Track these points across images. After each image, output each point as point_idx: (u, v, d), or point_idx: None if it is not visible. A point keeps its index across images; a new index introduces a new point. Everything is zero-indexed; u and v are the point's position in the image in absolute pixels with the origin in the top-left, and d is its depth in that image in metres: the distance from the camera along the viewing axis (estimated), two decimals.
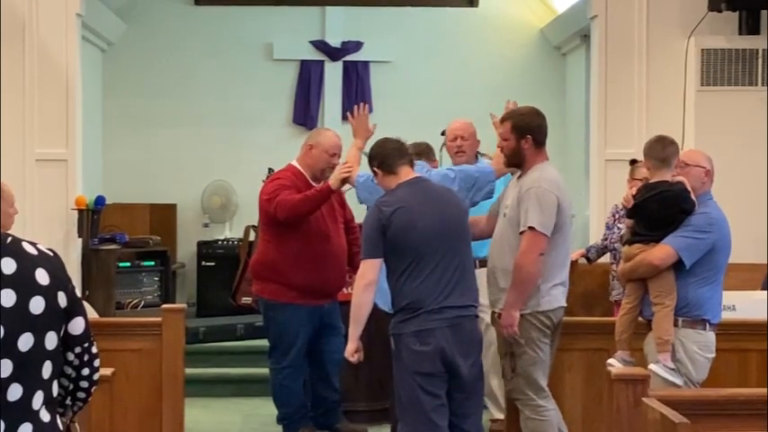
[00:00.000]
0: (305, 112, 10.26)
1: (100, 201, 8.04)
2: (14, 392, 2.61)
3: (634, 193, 4.98)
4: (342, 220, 6.14)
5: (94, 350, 2.86)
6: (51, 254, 2.76)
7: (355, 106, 5.96)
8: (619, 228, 6.44)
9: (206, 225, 10.10)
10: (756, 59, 7.62)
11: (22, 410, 2.63)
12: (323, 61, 10.30)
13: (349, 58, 10.31)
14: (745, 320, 5.42)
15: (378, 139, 4.96)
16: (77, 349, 2.80)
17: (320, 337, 6.02)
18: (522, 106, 5.16)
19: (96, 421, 4.57)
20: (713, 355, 4.75)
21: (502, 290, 4.85)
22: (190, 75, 10.18)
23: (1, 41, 7.50)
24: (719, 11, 7.50)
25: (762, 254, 7.06)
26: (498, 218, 5.03)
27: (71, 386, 2.85)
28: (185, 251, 9.96)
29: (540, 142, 4.92)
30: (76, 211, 7.76)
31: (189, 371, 5.88)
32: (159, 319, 5.46)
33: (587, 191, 8.25)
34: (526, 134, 4.88)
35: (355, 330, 4.65)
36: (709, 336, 4.74)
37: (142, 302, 8.52)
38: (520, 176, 4.95)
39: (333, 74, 10.31)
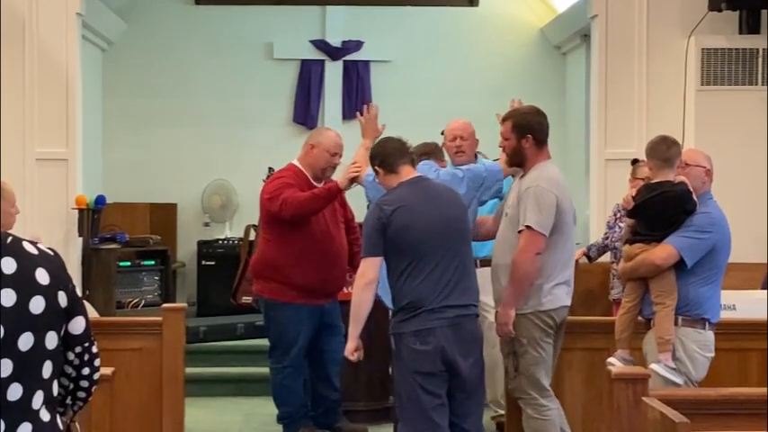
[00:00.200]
0: (305, 111, 10.25)
1: (100, 200, 8.05)
2: (14, 392, 2.61)
3: (634, 193, 4.99)
4: (342, 219, 6.14)
5: (95, 349, 2.86)
6: (51, 253, 2.76)
7: (364, 106, 5.96)
8: (620, 227, 6.44)
9: (206, 224, 10.10)
10: (756, 59, 7.62)
11: (23, 410, 2.63)
12: (323, 61, 10.30)
13: (349, 57, 10.30)
14: (745, 320, 5.42)
15: (379, 139, 4.97)
16: (78, 349, 2.80)
17: (320, 337, 6.02)
18: (524, 105, 5.17)
19: (96, 421, 4.57)
20: (712, 354, 4.76)
21: (505, 288, 4.87)
22: (190, 75, 10.18)
23: (1, 41, 7.50)
24: (719, 10, 7.50)
25: (762, 254, 7.06)
26: (501, 217, 5.04)
27: (71, 385, 2.85)
28: (185, 250, 9.96)
29: (540, 141, 4.92)
30: (77, 211, 7.77)
31: (189, 370, 5.88)
32: (159, 318, 5.46)
33: (587, 190, 8.25)
34: (527, 133, 4.89)
35: (355, 329, 4.65)
36: (709, 335, 4.74)
37: (142, 302, 8.52)
38: (522, 176, 4.95)
39: (333, 73, 10.31)
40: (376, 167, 4.83)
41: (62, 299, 2.71)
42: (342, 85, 10.32)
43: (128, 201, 9.58)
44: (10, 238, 2.69)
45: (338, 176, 5.91)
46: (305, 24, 10.27)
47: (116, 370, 4.61)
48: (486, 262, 5.48)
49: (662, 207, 4.75)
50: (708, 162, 4.88)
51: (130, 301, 8.48)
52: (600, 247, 6.89)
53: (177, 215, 10.02)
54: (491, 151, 6.00)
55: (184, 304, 6.13)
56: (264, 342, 6.27)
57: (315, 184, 5.97)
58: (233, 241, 9.61)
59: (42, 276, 2.67)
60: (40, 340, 2.65)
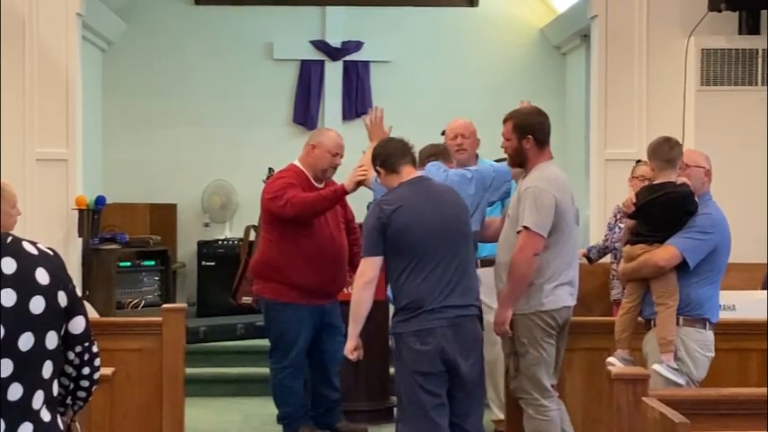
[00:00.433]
0: (305, 111, 10.25)
1: (100, 200, 8.05)
2: (15, 392, 2.62)
3: (634, 196, 4.98)
4: (343, 220, 6.14)
5: (95, 349, 2.86)
6: (51, 253, 2.76)
7: (370, 109, 5.96)
8: (620, 228, 6.44)
9: (206, 225, 10.10)
10: (756, 59, 7.62)
11: (23, 410, 2.63)
12: (323, 61, 10.29)
13: (349, 57, 10.30)
14: (745, 320, 5.42)
15: (381, 139, 4.98)
16: (78, 348, 2.80)
17: (321, 337, 6.03)
18: (525, 106, 5.17)
19: (96, 421, 4.57)
20: (712, 354, 4.76)
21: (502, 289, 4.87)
22: (190, 75, 10.18)
23: (1, 41, 7.50)
24: (719, 11, 7.50)
25: (762, 254, 7.06)
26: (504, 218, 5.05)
27: (72, 385, 2.85)
28: (185, 251, 9.96)
29: (542, 142, 4.92)
30: (77, 211, 7.77)
31: (189, 370, 5.88)
32: (159, 318, 5.46)
33: (587, 191, 8.25)
34: (527, 134, 4.89)
35: (354, 328, 4.66)
36: (709, 335, 4.75)
37: (142, 302, 8.52)
38: (524, 176, 4.95)
39: (333, 74, 10.31)
40: (377, 168, 4.84)
41: (62, 299, 2.72)
42: (342, 85, 10.31)
43: (128, 201, 9.58)
44: (10, 238, 2.69)
45: (338, 177, 5.91)
46: (305, 24, 10.27)
47: (116, 370, 4.62)
48: (486, 262, 5.49)
49: (665, 208, 4.75)
50: (707, 162, 4.88)
51: (130, 302, 8.48)
52: (600, 248, 6.88)
53: (177, 215, 10.02)
54: (491, 151, 6.00)
55: (184, 304, 6.13)
56: (264, 342, 6.28)
57: (315, 184, 5.98)
58: (233, 241, 9.61)
59: (42, 276, 2.68)
60: (40, 340, 2.66)
